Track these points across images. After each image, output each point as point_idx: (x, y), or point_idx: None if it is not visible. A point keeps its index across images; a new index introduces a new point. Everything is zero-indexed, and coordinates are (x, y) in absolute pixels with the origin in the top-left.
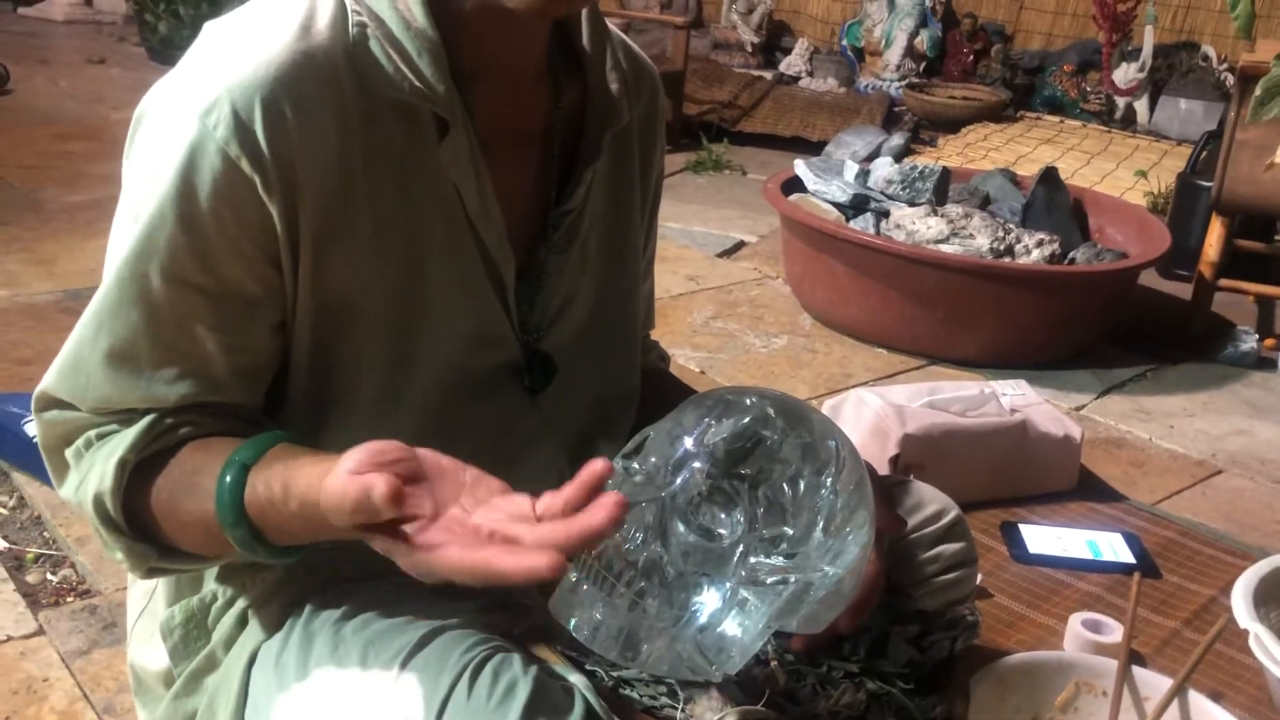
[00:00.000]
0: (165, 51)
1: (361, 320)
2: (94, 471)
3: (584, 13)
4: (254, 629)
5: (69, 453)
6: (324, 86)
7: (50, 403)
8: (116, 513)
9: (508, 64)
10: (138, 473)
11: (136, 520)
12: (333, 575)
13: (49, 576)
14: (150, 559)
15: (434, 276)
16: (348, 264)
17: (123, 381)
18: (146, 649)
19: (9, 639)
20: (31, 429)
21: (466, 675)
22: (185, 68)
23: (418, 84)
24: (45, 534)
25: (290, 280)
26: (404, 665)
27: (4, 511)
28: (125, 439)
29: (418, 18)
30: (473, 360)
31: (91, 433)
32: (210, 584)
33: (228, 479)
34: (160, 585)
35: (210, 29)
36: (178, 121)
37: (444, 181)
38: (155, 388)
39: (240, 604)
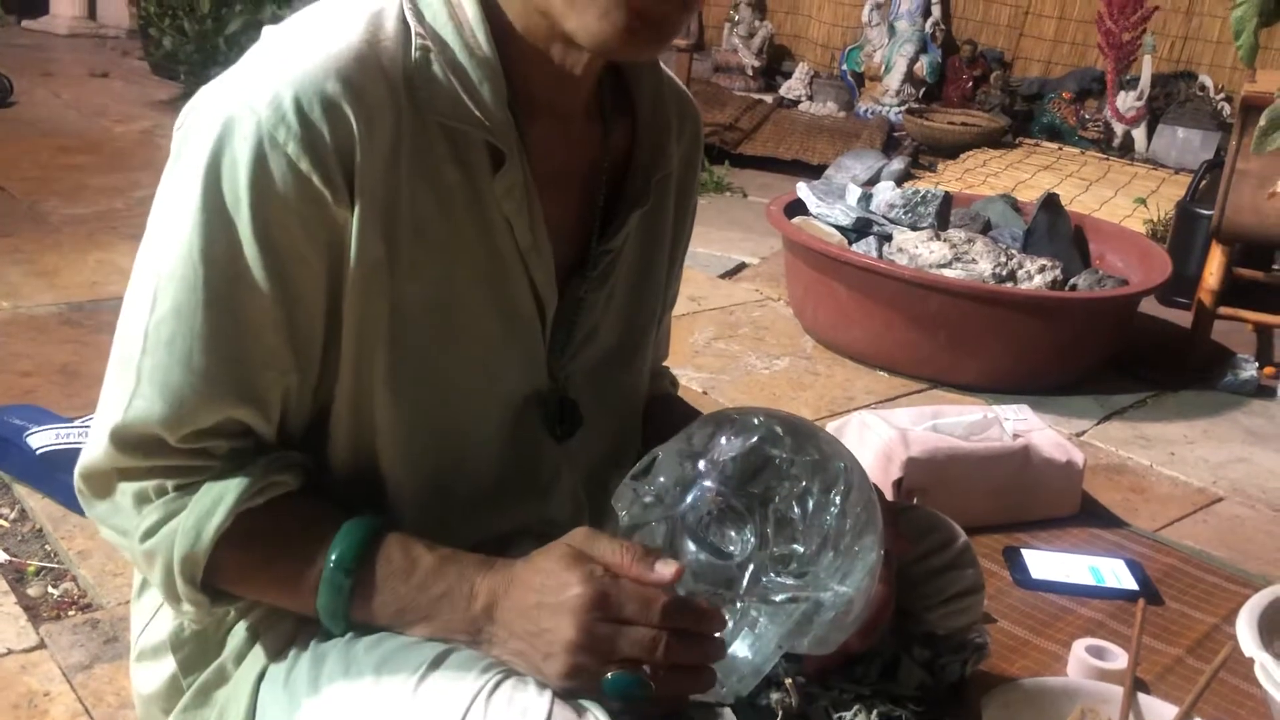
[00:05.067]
0: (168, 66)
1: (394, 341)
2: (182, 527)
3: None
4: (265, 644)
5: (131, 491)
6: (383, 86)
7: (134, 442)
8: (200, 573)
9: (561, 102)
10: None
11: (212, 582)
12: None
13: (50, 590)
14: (208, 609)
15: (477, 305)
16: (388, 275)
17: (221, 389)
18: (148, 670)
19: (10, 652)
20: (34, 440)
21: (482, 697)
22: (243, 69)
23: (477, 112)
24: (47, 547)
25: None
26: (417, 687)
27: (5, 524)
28: (223, 501)
29: (483, 45)
30: (504, 388)
31: (169, 482)
32: None
33: (359, 526)
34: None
35: (270, 33)
36: (239, 123)
37: (495, 213)
38: (258, 383)
39: (251, 618)
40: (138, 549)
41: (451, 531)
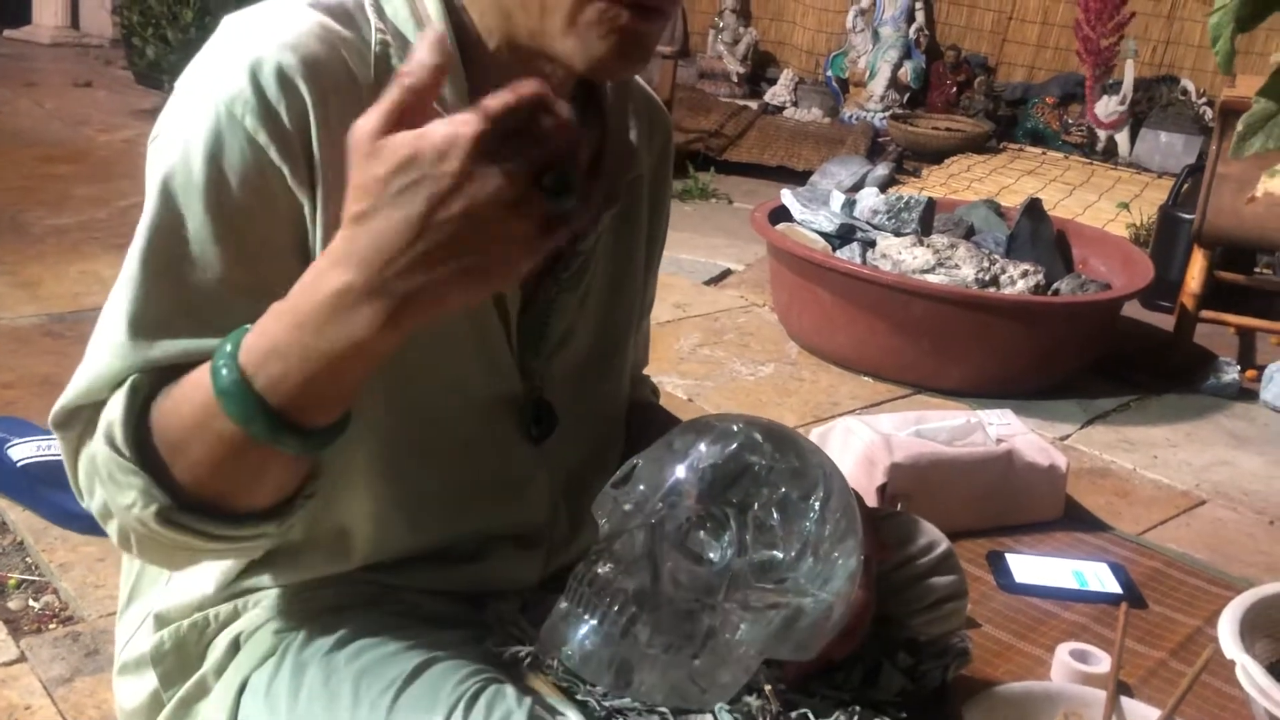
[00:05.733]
0: (152, 75)
1: None
2: (104, 412)
3: None
4: (245, 656)
5: (88, 441)
6: (342, 69)
7: (74, 416)
8: (125, 441)
9: None
10: (147, 410)
11: (147, 455)
12: (325, 604)
13: (31, 603)
14: (159, 498)
15: None
16: None
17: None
18: (129, 684)
19: None
20: (15, 453)
21: (460, 708)
22: (203, 54)
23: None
24: (28, 559)
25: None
26: (396, 697)
27: None
28: (138, 379)
29: None
30: (473, 388)
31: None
32: (202, 609)
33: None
34: (150, 615)
35: (230, 20)
36: (198, 102)
37: None
38: (197, 356)
39: (232, 630)
40: (94, 470)
41: (422, 530)
